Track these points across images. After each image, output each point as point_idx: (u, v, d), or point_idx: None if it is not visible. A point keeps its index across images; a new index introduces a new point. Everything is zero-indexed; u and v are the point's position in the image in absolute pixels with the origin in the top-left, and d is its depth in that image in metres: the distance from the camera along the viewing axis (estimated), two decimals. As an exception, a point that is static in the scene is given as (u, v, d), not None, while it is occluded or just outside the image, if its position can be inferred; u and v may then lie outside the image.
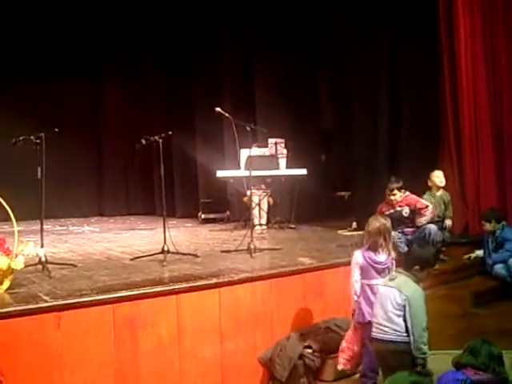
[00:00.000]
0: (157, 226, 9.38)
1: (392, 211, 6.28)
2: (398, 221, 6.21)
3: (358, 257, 4.59)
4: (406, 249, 6.05)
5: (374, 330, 4.20)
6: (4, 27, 11.26)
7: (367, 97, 8.54)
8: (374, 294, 4.42)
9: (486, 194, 7.42)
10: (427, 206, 6.23)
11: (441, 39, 7.70)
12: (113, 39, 12.64)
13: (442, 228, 6.59)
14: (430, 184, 6.83)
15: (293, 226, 9.08)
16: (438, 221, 6.60)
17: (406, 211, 6.23)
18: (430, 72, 7.87)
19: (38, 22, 11.58)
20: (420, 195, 6.53)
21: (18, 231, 4.76)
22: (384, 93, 8.32)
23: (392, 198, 6.30)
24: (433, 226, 6.15)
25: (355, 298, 4.57)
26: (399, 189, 6.28)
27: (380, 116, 8.41)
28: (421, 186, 6.84)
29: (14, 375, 3.91)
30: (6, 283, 4.58)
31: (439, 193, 6.82)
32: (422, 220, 6.22)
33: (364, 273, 4.56)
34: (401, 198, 6.30)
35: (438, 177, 6.80)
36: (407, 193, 6.37)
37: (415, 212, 6.26)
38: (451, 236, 6.95)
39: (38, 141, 5.62)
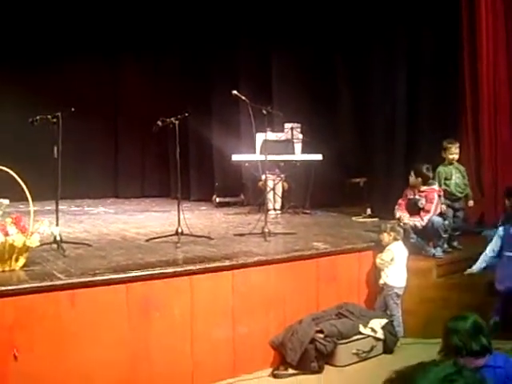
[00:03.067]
0: (171, 209, 9.40)
1: (412, 197, 6.22)
2: (412, 208, 6.16)
3: None
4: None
5: None
6: (23, 8, 11.29)
7: (385, 81, 8.46)
8: None
9: (504, 183, 7.33)
10: (427, 212, 6.08)
11: (461, 24, 7.58)
12: (130, 22, 12.59)
13: (455, 215, 6.51)
14: (444, 155, 6.65)
15: (307, 211, 9.06)
16: (459, 198, 6.55)
17: (421, 202, 6.13)
18: (450, 56, 7.75)
19: (57, 3, 11.58)
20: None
21: (34, 211, 4.79)
22: (402, 77, 8.22)
23: (409, 178, 6.25)
24: (436, 218, 6.05)
25: None
26: (416, 173, 6.18)
27: (397, 102, 8.33)
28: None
29: (29, 351, 3.96)
30: (22, 261, 4.62)
31: (454, 164, 6.70)
32: (409, 219, 6.09)
33: None
34: (417, 185, 6.18)
35: (452, 154, 6.60)
36: (434, 187, 6.19)
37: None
38: (466, 224, 6.89)
39: (54, 120, 5.64)
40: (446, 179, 6.55)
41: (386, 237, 5.75)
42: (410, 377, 1.31)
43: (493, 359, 3.07)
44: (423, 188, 6.15)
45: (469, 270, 5.82)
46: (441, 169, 6.59)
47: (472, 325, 3.11)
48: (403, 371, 1.34)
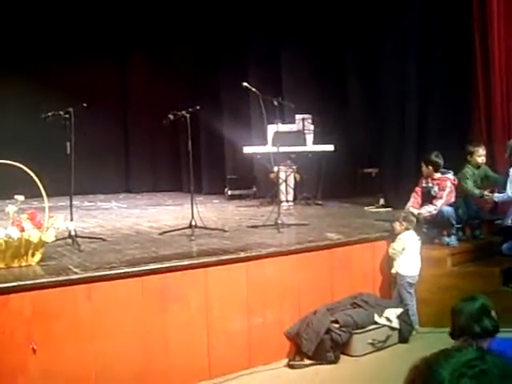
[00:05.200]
0: (184, 202, 9.42)
1: (425, 185, 6.21)
2: (427, 196, 6.15)
3: None
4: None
5: None
6: (34, 7, 11.35)
7: (396, 71, 8.40)
8: None
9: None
10: (439, 199, 6.02)
11: (473, 13, 7.51)
12: (139, 16, 12.60)
13: (466, 201, 6.45)
14: (470, 159, 6.50)
15: (320, 202, 9.04)
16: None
17: (435, 190, 6.12)
18: (462, 43, 7.69)
19: (67, 1, 11.64)
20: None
21: (48, 207, 4.82)
22: (413, 66, 8.16)
23: (422, 169, 6.24)
24: (446, 208, 6.01)
25: None
26: (426, 163, 6.14)
27: (409, 92, 8.28)
28: (448, 164, 6.65)
29: (47, 344, 4.00)
30: (38, 256, 4.67)
31: (481, 167, 6.59)
32: (423, 209, 6.04)
33: None
34: (431, 174, 6.16)
35: (480, 156, 6.48)
36: (449, 175, 6.14)
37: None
38: (482, 213, 6.84)
39: (67, 116, 5.67)
40: (474, 181, 6.44)
41: (398, 226, 5.73)
42: (433, 363, 1.31)
43: (496, 343, 3.08)
44: (437, 176, 6.13)
45: None
46: (469, 170, 6.42)
47: (478, 307, 3.14)
48: (428, 358, 1.35)
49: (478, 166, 6.49)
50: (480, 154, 6.48)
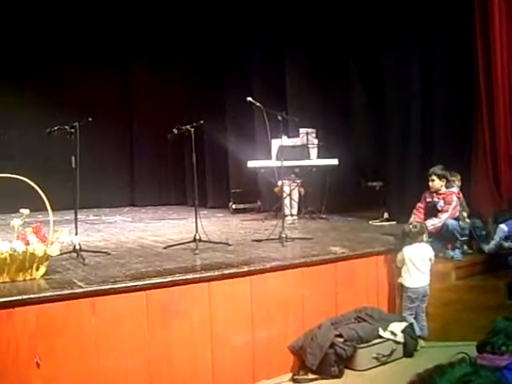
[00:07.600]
0: (188, 216, 9.46)
1: (430, 200, 6.21)
2: (432, 211, 6.14)
3: None
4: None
5: None
6: (36, 20, 11.46)
7: (400, 86, 8.44)
8: None
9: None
10: (445, 212, 6.06)
11: (475, 24, 7.54)
12: (143, 28, 12.67)
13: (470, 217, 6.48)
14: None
15: (324, 216, 9.04)
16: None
17: (440, 204, 6.12)
18: (463, 55, 7.70)
19: (70, 15, 11.74)
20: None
21: (53, 221, 4.84)
22: (417, 82, 8.20)
23: (430, 183, 6.21)
24: (451, 221, 6.01)
25: None
26: (439, 176, 6.16)
27: (413, 106, 8.30)
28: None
29: (51, 359, 4.00)
30: (42, 269, 4.67)
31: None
32: (427, 222, 6.03)
33: None
34: (441, 187, 6.17)
35: (459, 180, 6.62)
36: (453, 189, 6.21)
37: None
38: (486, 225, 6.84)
39: (72, 130, 5.69)
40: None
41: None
42: (429, 379, 1.32)
43: None
44: (442, 190, 6.14)
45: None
46: None
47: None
48: (422, 374, 1.35)
49: None
50: (457, 185, 6.55)
